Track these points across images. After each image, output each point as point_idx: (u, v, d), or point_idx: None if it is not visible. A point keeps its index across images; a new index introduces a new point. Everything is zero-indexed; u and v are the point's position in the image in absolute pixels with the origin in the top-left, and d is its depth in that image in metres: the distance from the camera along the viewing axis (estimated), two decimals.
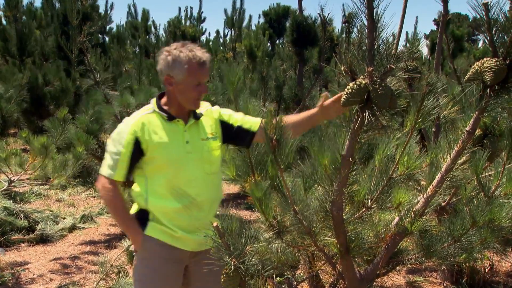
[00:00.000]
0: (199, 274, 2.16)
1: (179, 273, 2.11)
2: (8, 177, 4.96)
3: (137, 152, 2.02)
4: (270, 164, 2.02)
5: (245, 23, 16.49)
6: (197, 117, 2.12)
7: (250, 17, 18.74)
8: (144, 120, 2.03)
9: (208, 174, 2.11)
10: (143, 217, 2.08)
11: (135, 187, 2.12)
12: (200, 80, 2.01)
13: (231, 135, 2.19)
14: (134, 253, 2.17)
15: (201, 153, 2.08)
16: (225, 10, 16.53)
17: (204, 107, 2.18)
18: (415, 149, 1.84)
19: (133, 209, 2.14)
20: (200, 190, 2.07)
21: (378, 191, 1.87)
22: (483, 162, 1.91)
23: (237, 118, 2.20)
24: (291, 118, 2.14)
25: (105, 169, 2.04)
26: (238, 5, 16.26)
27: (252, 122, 2.19)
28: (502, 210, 1.84)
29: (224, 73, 6.88)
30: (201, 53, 2.00)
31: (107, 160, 2.04)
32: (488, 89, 1.61)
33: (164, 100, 2.09)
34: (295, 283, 2.78)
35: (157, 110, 2.06)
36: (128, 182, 2.19)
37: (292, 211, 1.89)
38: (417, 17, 5.50)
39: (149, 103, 2.13)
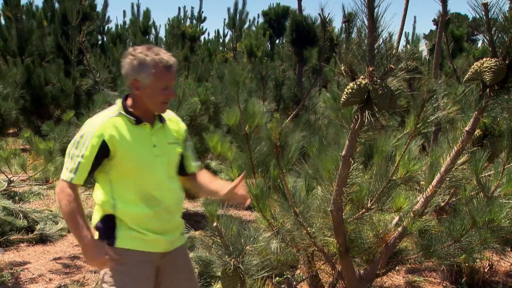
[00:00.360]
0: (170, 274, 2.16)
1: (152, 274, 2.08)
2: (7, 177, 4.96)
3: (102, 155, 1.97)
4: (272, 166, 2.03)
5: (247, 25, 16.49)
6: (163, 120, 2.11)
7: (253, 19, 18.65)
8: (111, 123, 1.98)
9: (171, 177, 2.11)
10: (109, 225, 2.03)
11: (98, 194, 2.07)
12: (167, 84, 1.98)
13: None
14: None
15: (167, 156, 2.09)
16: (228, 9, 16.54)
17: (170, 113, 2.19)
18: (415, 152, 1.85)
19: (97, 216, 2.08)
20: (167, 193, 2.06)
21: (378, 193, 1.87)
22: (482, 162, 1.91)
23: (187, 147, 2.23)
24: (202, 180, 2.23)
25: (65, 173, 1.97)
26: (240, 5, 16.31)
27: (191, 166, 2.24)
28: (502, 210, 1.84)
29: (223, 73, 6.88)
30: (168, 57, 1.97)
31: (68, 163, 1.98)
32: (488, 89, 1.61)
33: (129, 102, 2.05)
34: (294, 283, 2.78)
35: (123, 113, 2.01)
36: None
37: (293, 213, 1.89)
38: (415, 17, 5.50)
39: (115, 104, 2.09)
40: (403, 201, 1.78)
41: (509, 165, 2.12)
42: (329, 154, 1.88)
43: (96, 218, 2.09)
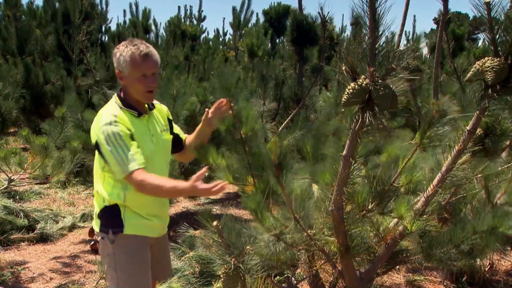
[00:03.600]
0: (157, 253, 2.34)
1: (149, 255, 2.26)
2: (8, 176, 4.96)
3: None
4: (270, 175, 2.01)
5: (251, 24, 16.53)
6: (152, 108, 2.25)
7: (258, 19, 18.42)
8: (121, 118, 2.09)
9: (167, 162, 2.30)
10: (112, 213, 2.14)
11: (105, 186, 2.15)
12: (144, 72, 2.07)
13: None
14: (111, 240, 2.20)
15: (162, 143, 2.24)
16: (234, 8, 16.59)
17: (155, 102, 2.32)
18: (418, 161, 1.83)
19: (98, 209, 2.19)
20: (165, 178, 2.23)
21: (379, 197, 1.87)
22: (492, 175, 1.91)
23: (176, 126, 2.44)
24: (190, 137, 2.44)
25: (129, 167, 2.02)
26: (245, 5, 16.36)
27: (183, 134, 2.45)
28: (506, 219, 1.83)
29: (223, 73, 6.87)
30: (145, 47, 2.08)
31: (122, 160, 2.02)
32: (490, 89, 1.61)
33: (123, 95, 2.17)
34: (295, 282, 2.78)
35: (124, 108, 2.13)
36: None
37: (294, 219, 1.88)
38: (415, 16, 5.51)
39: (111, 99, 2.20)
40: (404, 209, 1.77)
41: (508, 164, 2.11)
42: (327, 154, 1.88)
43: (97, 210, 2.21)
